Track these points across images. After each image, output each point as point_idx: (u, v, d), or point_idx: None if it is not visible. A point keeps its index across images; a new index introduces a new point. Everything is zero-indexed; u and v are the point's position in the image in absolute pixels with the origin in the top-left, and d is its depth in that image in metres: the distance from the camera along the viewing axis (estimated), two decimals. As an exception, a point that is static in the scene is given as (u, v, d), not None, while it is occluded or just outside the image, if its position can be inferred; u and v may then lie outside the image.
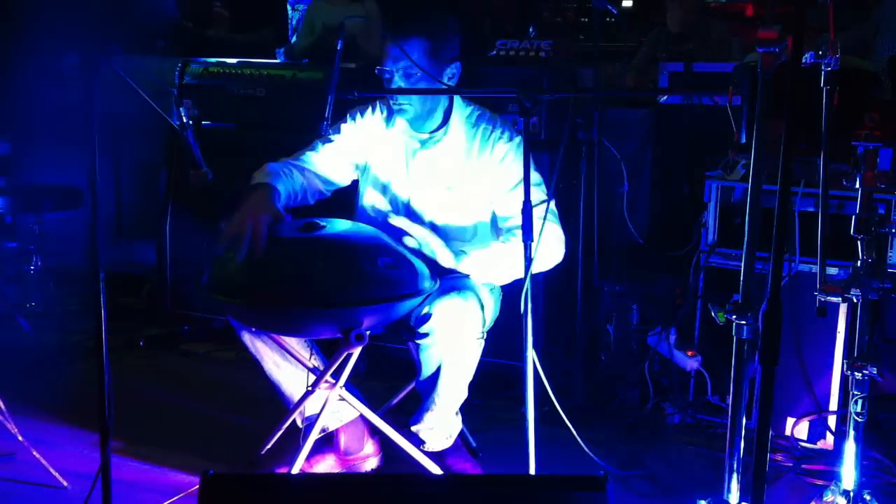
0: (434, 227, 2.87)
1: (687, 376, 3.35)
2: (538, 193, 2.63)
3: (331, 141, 2.96)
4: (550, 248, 2.74)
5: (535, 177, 2.72)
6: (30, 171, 4.93)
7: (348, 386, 2.77)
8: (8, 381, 3.49)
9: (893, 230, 2.43)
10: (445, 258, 2.67)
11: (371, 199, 2.99)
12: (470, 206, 2.87)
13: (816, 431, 3.13)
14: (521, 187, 2.55)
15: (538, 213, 2.42)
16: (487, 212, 2.87)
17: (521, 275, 2.38)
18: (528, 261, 2.37)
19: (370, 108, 2.97)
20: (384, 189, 2.96)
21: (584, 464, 2.85)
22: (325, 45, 4.42)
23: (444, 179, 2.87)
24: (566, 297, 3.62)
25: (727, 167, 3.29)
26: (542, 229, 2.44)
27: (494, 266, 2.72)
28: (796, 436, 3.15)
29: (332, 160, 2.95)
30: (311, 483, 2.01)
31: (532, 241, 2.38)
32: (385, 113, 2.95)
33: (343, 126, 2.97)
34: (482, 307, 2.69)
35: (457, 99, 2.86)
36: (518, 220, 2.42)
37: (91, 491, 2.43)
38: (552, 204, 2.75)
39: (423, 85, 2.69)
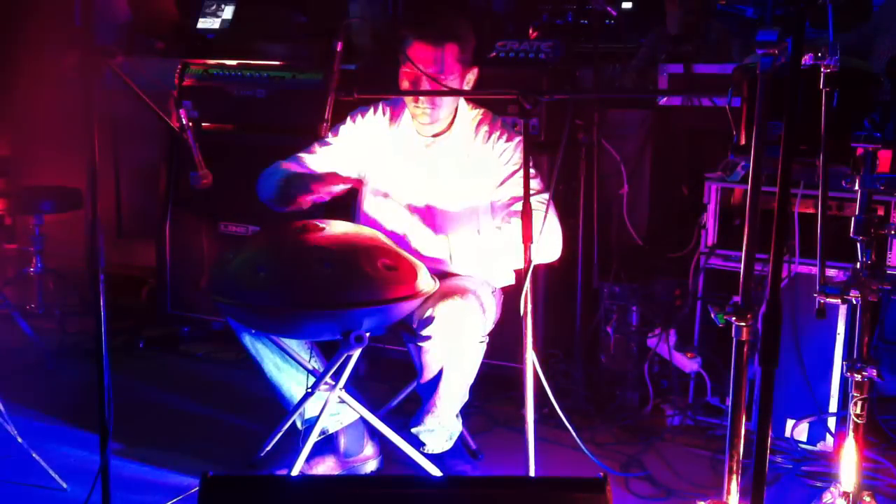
0: (434, 225, 2.88)
1: (686, 378, 3.35)
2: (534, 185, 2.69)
3: (329, 144, 2.96)
4: (548, 239, 2.76)
5: (533, 183, 2.73)
6: (30, 173, 4.93)
7: (348, 388, 2.77)
8: (7, 382, 3.50)
9: (893, 232, 2.43)
10: (428, 243, 2.80)
11: (372, 200, 2.99)
12: (470, 203, 2.88)
13: (816, 433, 3.13)
14: (515, 178, 2.72)
15: (536, 201, 2.47)
16: (485, 208, 2.88)
17: (513, 261, 2.39)
18: (529, 263, 2.37)
19: (371, 109, 2.98)
20: (386, 190, 2.96)
21: (584, 465, 2.85)
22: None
23: (447, 179, 2.88)
24: (566, 298, 3.62)
25: (726, 168, 3.29)
26: (544, 218, 2.49)
27: (483, 250, 2.77)
28: (796, 437, 3.14)
29: (328, 163, 2.96)
30: (310, 485, 2.01)
31: (532, 243, 2.39)
32: (389, 114, 2.96)
33: (341, 128, 2.98)
34: (484, 310, 2.69)
35: (461, 101, 2.89)
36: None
37: (91, 492, 2.43)
38: (545, 197, 2.78)
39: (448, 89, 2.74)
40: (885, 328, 3.12)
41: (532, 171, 2.73)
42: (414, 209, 2.92)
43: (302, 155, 2.97)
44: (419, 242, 2.84)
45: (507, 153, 2.83)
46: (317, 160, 2.96)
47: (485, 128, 2.88)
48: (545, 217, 2.50)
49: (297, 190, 2.73)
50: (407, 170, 2.93)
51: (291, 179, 2.82)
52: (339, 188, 2.78)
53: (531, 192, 2.42)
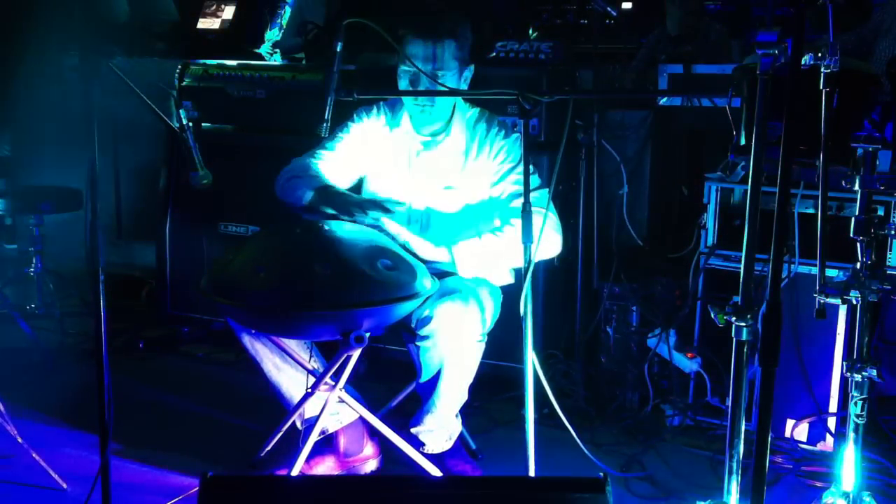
0: (433, 227, 2.89)
1: (686, 378, 3.35)
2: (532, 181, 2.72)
3: (342, 141, 2.96)
4: (546, 236, 2.76)
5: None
6: (30, 173, 4.93)
7: (348, 388, 2.77)
8: (8, 382, 3.50)
9: (893, 232, 2.43)
10: (429, 252, 2.76)
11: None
12: (469, 202, 2.88)
13: (816, 433, 3.13)
14: (511, 177, 2.76)
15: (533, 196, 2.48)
16: (484, 203, 2.88)
17: (514, 262, 2.38)
18: (528, 262, 2.37)
19: (374, 109, 2.99)
20: (385, 190, 2.96)
21: (584, 465, 2.85)
22: (313, 42, 4.39)
23: (445, 180, 2.89)
24: (566, 299, 3.62)
25: (726, 169, 3.29)
26: (543, 219, 2.50)
27: (486, 254, 2.75)
28: (796, 437, 3.15)
29: (338, 160, 2.96)
30: (310, 485, 2.01)
31: (532, 242, 2.39)
32: (387, 115, 2.96)
33: (351, 125, 2.98)
34: (483, 309, 2.69)
35: (459, 101, 2.89)
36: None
37: (91, 493, 2.43)
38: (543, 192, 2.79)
39: (448, 87, 2.74)
40: (884, 328, 3.12)
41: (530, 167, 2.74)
42: (413, 209, 2.92)
43: (322, 152, 2.96)
44: (419, 248, 2.84)
45: (503, 151, 2.84)
46: (336, 158, 2.95)
47: (482, 126, 2.90)
48: (545, 213, 2.50)
49: (333, 207, 2.78)
50: (406, 170, 2.93)
51: (325, 193, 2.83)
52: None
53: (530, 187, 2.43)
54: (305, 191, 2.84)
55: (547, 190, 2.74)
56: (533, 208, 2.41)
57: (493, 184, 2.85)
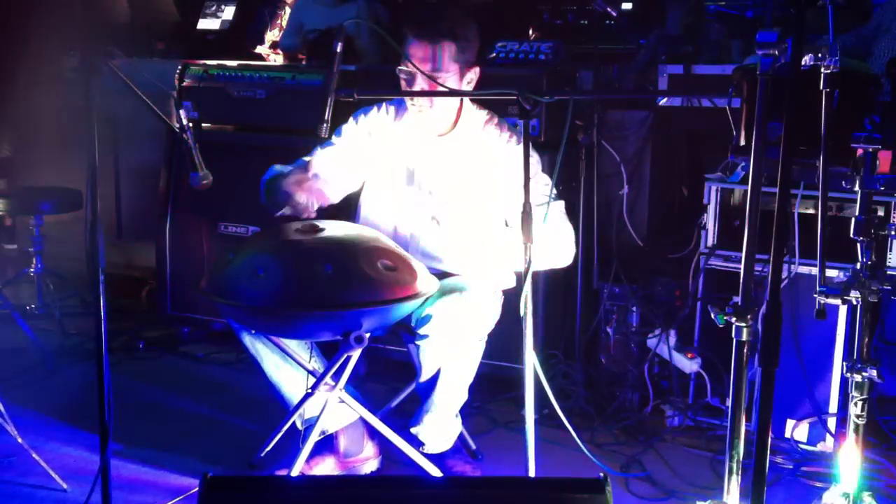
0: (440, 227, 2.88)
1: (686, 378, 3.35)
2: (546, 192, 2.73)
3: (332, 144, 2.96)
4: (563, 247, 2.77)
5: (544, 178, 2.76)
6: (30, 173, 4.93)
7: (348, 388, 2.77)
8: (8, 382, 3.50)
9: (893, 232, 2.43)
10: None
11: (373, 200, 2.99)
12: (473, 206, 2.88)
13: (816, 433, 3.13)
14: (533, 186, 2.66)
15: (552, 208, 2.55)
16: (490, 210, 2.88)
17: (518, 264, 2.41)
18: (529, 262, 2.37)
19: (375, 108, 2.98)
20: (390, 189, 2.96)
21: (584, 466, 2.85)
22: (312, 44, 4.40)
23: (451, 181, 2.88)
24: (566, 299, 3.61)
25: (726, 169, 3.29)
26: (546, 216, 2.57)
27: (494, 257, 2.78)
28: (796, 438, 3.15)
29: (334, 163, 2.95)
30: (310, 485, 2.01)
31: (532, 243, 2.39)
32: (393, 113, 2.96)
33: (344, 127, 2.97)
34: (482, 310, 2.69)
35: (466, 102, 2.88)
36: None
37: (91, 493, 2.43)
38: (562, 205, 2.79)
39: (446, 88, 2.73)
40: (885, 329, 3.12)
41: (548, 178, 2.75)
42: (418, 209, 2.92)
43: (305, 158, 2.96)
44: (426, 243, 2.83)
45: (513, 157, 2.80)
46: (320, 162, 2.94)
47: (492, 129, 2.88)
48: (559, 223, 2.52)
49: (277, 196, 2.71)
50: (411, 169, 2.93)
51: (274, 183, 2.77)
52: (322, 191, 2.75)
53: (550, 196, 2.44)
54: (262, 187, 2.82)
55: (563, 202, 2.75)
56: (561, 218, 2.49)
57: (503, 190, 2.82)
